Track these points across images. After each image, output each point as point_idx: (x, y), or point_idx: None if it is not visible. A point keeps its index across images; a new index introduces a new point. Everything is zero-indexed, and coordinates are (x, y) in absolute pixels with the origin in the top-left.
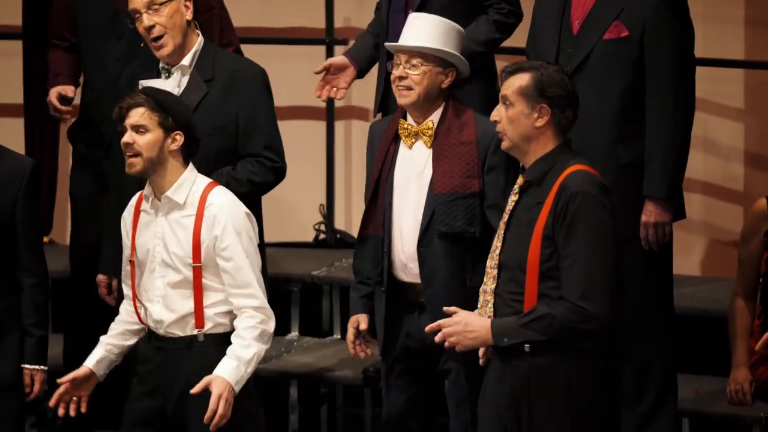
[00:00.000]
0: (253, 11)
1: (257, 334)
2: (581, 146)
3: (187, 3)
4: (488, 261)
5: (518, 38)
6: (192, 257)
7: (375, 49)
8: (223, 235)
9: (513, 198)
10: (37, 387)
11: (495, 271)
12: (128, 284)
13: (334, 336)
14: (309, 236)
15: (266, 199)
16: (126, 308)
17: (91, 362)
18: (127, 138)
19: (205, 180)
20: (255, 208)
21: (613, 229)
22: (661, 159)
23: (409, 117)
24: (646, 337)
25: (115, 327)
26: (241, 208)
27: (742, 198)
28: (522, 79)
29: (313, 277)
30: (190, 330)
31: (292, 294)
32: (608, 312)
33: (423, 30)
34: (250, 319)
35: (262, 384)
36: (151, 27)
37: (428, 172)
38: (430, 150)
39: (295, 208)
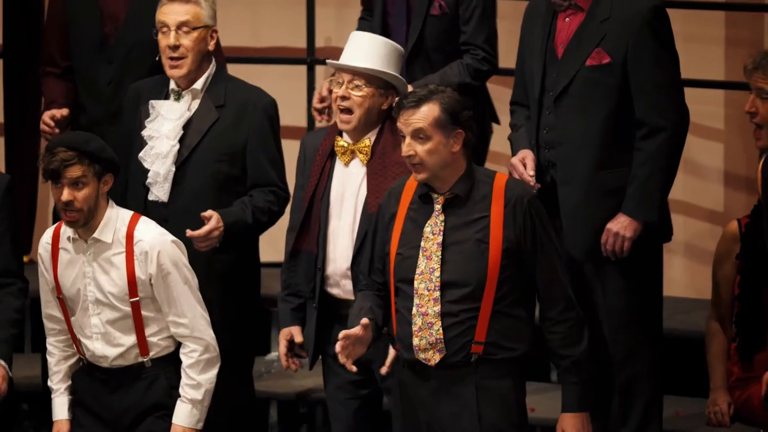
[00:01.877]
0: (234, 31)
1: (201, 368)
2: (565, 171)
3: (213, 34)
4: (420, 284)
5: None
6: (128, 293)
7: None
8: (158, 269)
9: (440, 218)
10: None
11: (437, 293)
12: (60, 320)
13: None
14: None
15: None
16: (56, 345)
17: (64, 414)
18: (67, 196)
19: (127, 213)
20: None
21: None
22: (641, 179)
23: (345, 135)
24: (631, 357)
25: (59, 368)
26: (169, 238)
27: (723, 218)
28: (433, 111)
29: None
30: (134, 359)
31: (272, 314)
32: None
33: (367, 50)
34: (192, 353)
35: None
36: (176, 47)
37: (364, 190)
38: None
39: (275, 228)
